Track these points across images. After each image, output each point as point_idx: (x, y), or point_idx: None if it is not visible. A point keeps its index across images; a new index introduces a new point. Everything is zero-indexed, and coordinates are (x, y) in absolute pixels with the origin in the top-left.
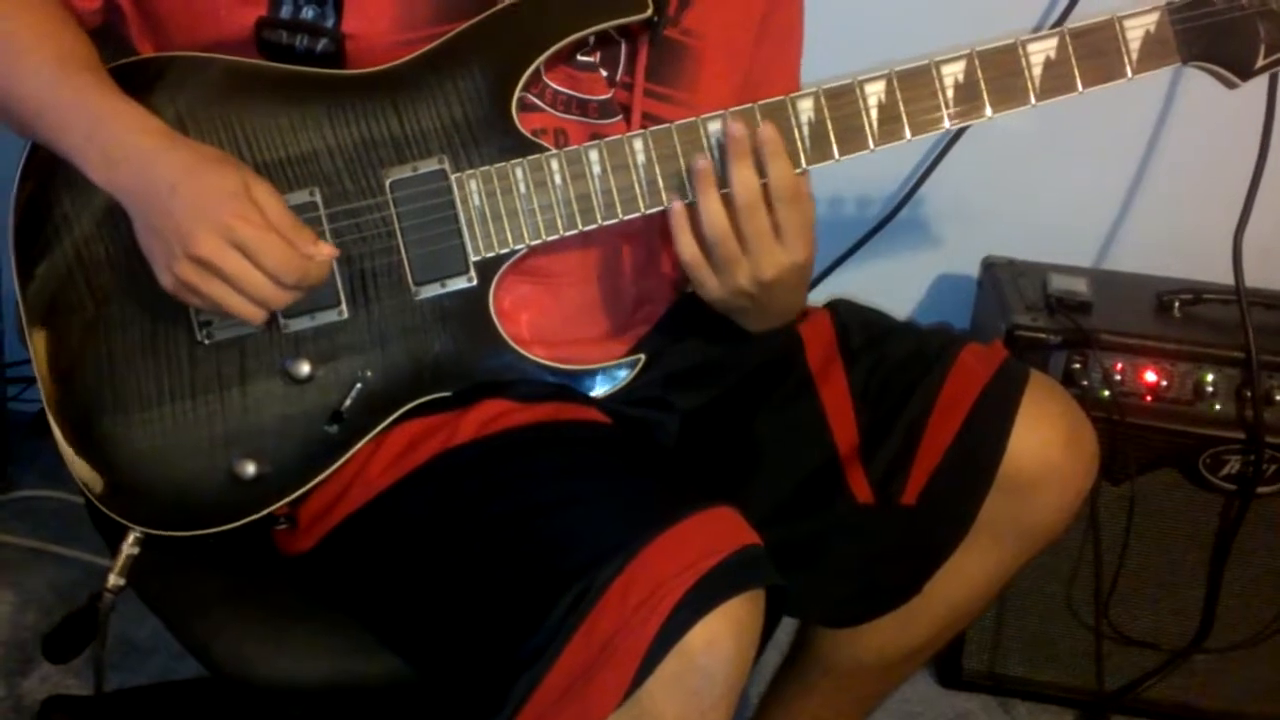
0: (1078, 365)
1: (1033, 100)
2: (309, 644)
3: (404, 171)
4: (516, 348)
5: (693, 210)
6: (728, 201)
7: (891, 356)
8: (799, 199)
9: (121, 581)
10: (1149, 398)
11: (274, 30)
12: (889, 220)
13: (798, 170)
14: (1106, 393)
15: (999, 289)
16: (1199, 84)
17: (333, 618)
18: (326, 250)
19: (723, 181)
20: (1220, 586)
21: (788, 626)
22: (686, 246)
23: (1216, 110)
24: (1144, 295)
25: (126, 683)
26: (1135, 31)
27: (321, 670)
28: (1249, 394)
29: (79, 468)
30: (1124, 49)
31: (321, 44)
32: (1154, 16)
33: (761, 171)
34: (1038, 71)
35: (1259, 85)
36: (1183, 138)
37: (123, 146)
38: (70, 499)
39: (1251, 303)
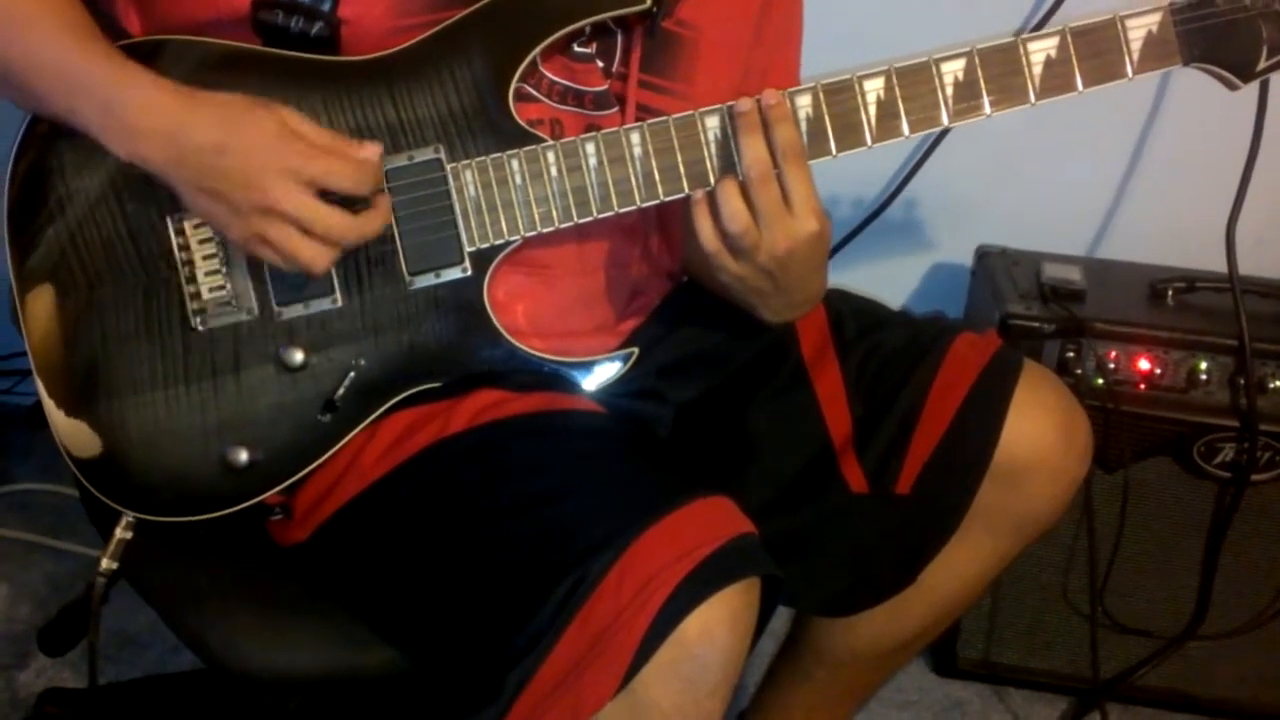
0: (1071, 354)
1: (1032, 99)
2: (304, 635)
3: (399, 160)
4: (511, 339)
5: (711, 197)
6: (739, 170)
7: (885, 346)
8: (802, 160)
9: (114, 565)
10: (1143, 386)
11: (270, 10)
12: (883, 210)
13: None
14: (1100, 381)
15: (993, 278)
16: (1192, 74)
17: (328, 609)
18: (371, 147)
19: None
20: (1214, 574)
21: (783, 616)
22: (708, 235)
23: (1209, 99)
24: (1137, 284)
25: (123, 675)
26: (1137, 32)
27: (317, 661)
28: (1243, 382)
29: (72, 441)
30: (1125, 49)
31: (316, 27)
32: (1156, 17)
33: (768, 139)
34: (1038, 70)
35: None
36: (1176, 127)
37: (148, 116)
38: (66, 492)
39: (1245, 291)
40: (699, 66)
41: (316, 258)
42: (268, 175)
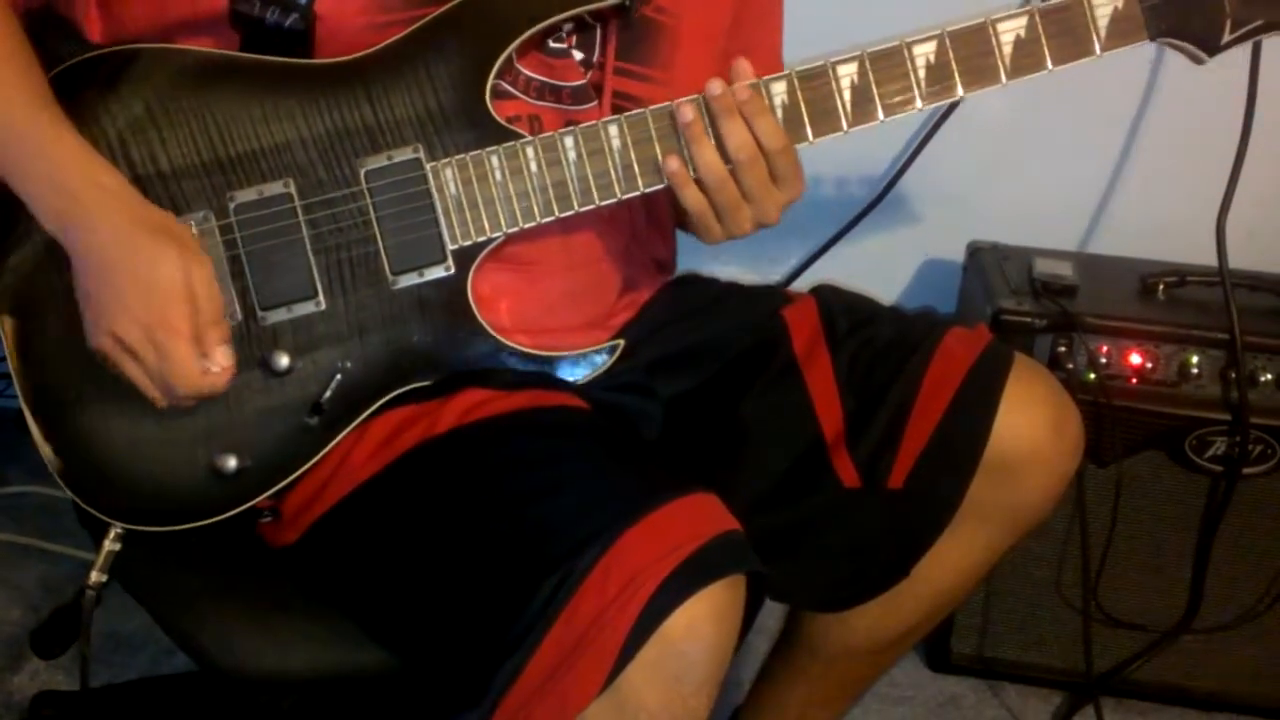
0: (1063, 348)
1: (1003, 79)
2: (297, 636)
3: (379, 161)
4: (496, 335)
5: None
6: (724, 156)
7: (876, 341)
8: (789, 148)
9: (104, 578)
10: (1134, 380)
11: (246, 1)
12: (874, 205)
13: None
14: (1092, 375)
15: (984, 273)
16: (1181, 66)
17: (320, 609)
18: (221, 356)
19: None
20: (1207, 568)
21: (777, 611)
22: (693, 197)
23: (1199, 92)
24: (1128, 278)
25: (116, 678)
26: (1104, 9)
27: (310, 662)
28: (1234, 375)
29: (57, 463)
30: (1093, 26)
31: (291, 19)
32: None
33: (750, 129)
34: (1008, 50)
35: (1240, 67)
36: (1165, 121)
37: (76, 202)
38: (57, 495)
39: (1235, 284)
40: (678, 53)
41: (150, 391)
42: (128, 315)
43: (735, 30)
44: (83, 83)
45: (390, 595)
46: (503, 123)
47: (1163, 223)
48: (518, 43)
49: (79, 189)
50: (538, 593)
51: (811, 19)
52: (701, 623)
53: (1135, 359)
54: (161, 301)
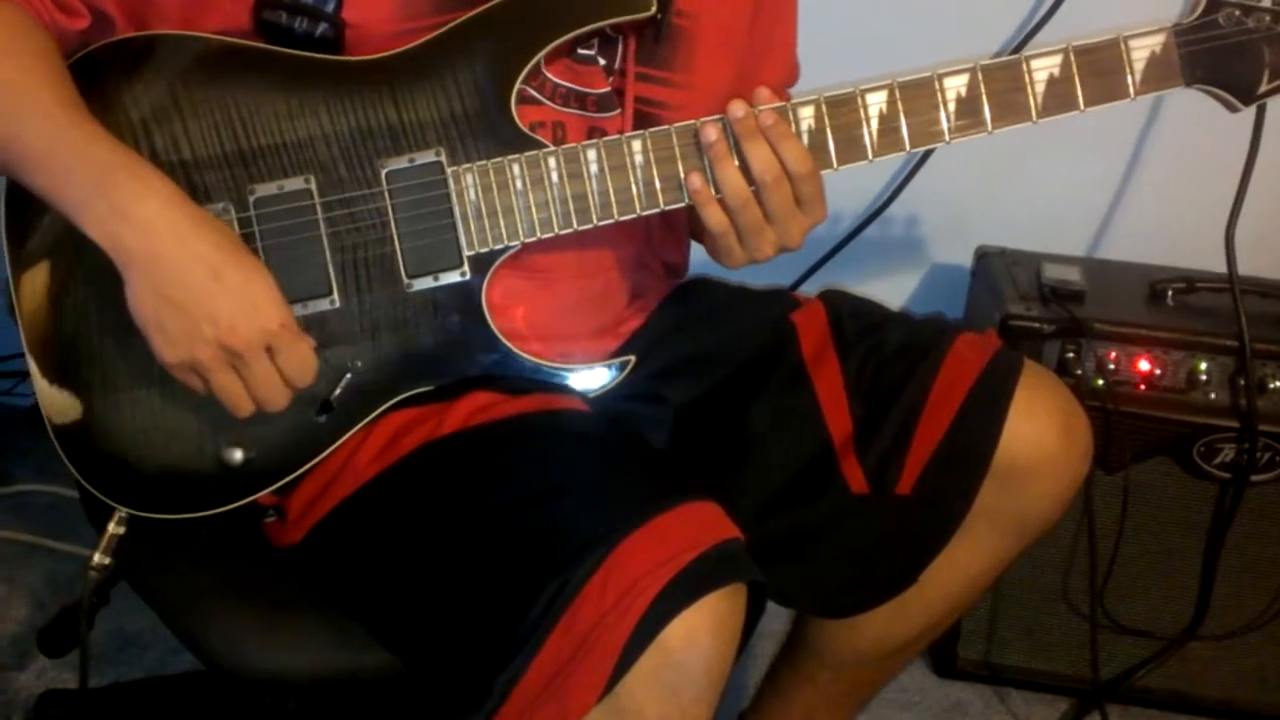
0: (1071, 354)
1: (1034, 117)
2: (301, 636)
3: (400, 162)
4: (507, 343)
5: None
6: (748, 177)
7: (885, 346)
8: (815, 173)
9: (106, 560)
10: (1143, 386)
11: (274, 10)
12: (883, 210)
13: None
14: (1100, 382)
15: (992, 279)
16: None
17: (324, 610)
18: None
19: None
20: (1215, 575)
21: (783, 614)
22: (715, 216)
23: (1210, 99)
24: (1137, 284)
25: (124, 676)
26: (1140, 52)
27: (314, 662)
28: (1243, 382)
29: (67, 435)
30: (1129, 69)
31: (321, 28)
32: (1160, 38)
33: (775, 152)
34: (1040, 88)
35: None
36: (1175, 127)
37: (143, 207)
38: (65, 493)
39: (1245, 291)
40: (697, 55)
41: (240, 406)
42: (247, 320)
43: (754, 29)
44: (107, 67)
45: (392, 596)
46: (526, 131)
47: (1172, 228)
48: (547, 50)
49: (152, 196)
50: (539, 597)
51: (838, 45)
52: (699, 633)
53: (1144, 365)
54: (277, 309)
